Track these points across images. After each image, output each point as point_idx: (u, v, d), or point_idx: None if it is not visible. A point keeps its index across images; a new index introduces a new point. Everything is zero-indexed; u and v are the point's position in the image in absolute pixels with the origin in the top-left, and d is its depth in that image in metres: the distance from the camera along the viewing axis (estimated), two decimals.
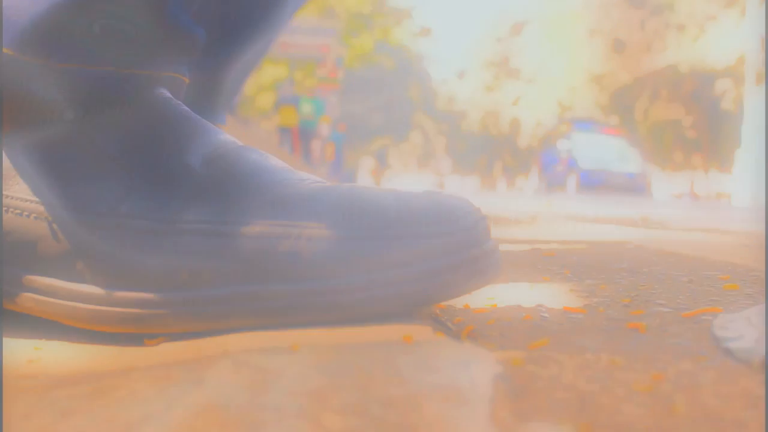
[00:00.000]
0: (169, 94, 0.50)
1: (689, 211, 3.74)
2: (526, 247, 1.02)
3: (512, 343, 0.41)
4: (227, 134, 0.50)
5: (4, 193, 0.46)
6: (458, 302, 0.55)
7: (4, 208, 0.45)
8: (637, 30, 20.81)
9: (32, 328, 0.46)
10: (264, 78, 15.54)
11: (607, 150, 13.71)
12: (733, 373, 0.35)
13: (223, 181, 0.45)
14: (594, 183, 12.75)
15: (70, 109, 0.47)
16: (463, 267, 0.42)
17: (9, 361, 0.39)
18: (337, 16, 15.64)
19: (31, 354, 0.41)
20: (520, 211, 3.02)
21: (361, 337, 0.38)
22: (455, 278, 0.42)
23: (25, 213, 0.44)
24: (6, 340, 0.44)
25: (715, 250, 1.06)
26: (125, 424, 0.27)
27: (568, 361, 0.37)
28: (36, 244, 0.44)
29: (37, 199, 0.44)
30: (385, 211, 0.43)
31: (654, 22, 20.44)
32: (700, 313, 0.49)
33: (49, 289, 0.44)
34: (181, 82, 0.53)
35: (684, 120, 20.88)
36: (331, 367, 0.33)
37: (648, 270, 0.75)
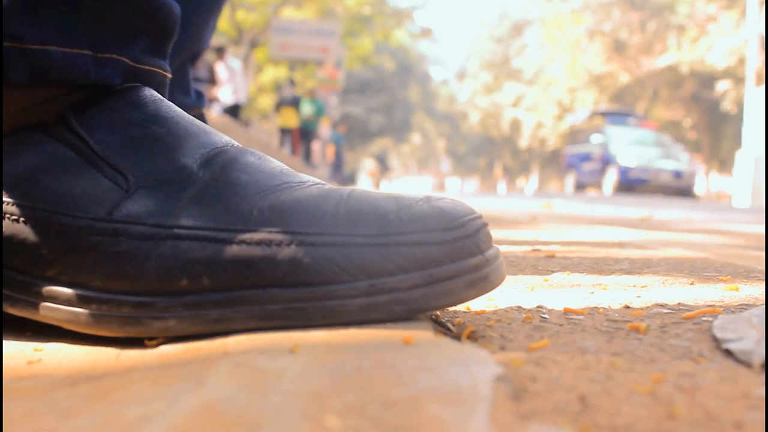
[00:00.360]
0: (159, 95, 0.50)
1: (689, 212, 3.74)
2: (526, 248, 1.02)
3: (512, 345, 0.41)
4: (224, 135, 0.50)
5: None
6: None
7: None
8: (638, 31, 20.82)
9: (32, 329, 0.46)
10: (264, 79, 15.55)
11: (649, 145, 12.02)
12: (733, 374, 0.35)
13: (221, 185, 0.44)
14: (635, 182, 11.22)
15: (49, 95, 0.47)
16: (464, 275, 0.42)
17: (9, 362, 0.39)
18: (338, 17, 15.65)
19: (31, 355, 0.41)
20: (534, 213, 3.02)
21: (362, 338, 0.38)
22: (456, 286, 0.42)
23: (22, 219, 0.44)
24: (6, 342, 0.44)
25: (715, 251, 1.07)
26: (125, 425, 0.27)
27: (568, 363, 0.37)
28: (34, 250, 0.44)
29: (33, 204, 0.44)
30: (386, 216, 0.43)
31: (654, 23, 20.46)
32: (701, 314, 0.49)
33: (50, 294, 0.43)
34: (163, 77, 0.52)
35: (684, 121, 20.90)
36: (331, 368, 0.33)
37: (648, 271, 0.75)
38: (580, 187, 12.67)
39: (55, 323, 0.43)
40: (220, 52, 8.58)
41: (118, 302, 0.42)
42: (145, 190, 0.44)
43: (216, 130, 0.50)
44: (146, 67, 0.50)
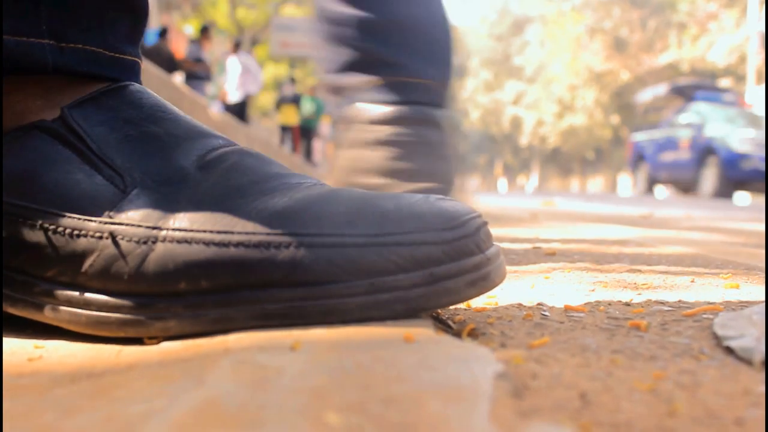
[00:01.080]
0: (155, 94, 0.50)
1: (690, 210, 3.74)
2: (527, 246, 1.02)
3: (513, 342, 0.41)
4: (222, 135, 0.50)
5: None
6: None
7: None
8: (638, 29, 20.81)
9: (33, 326, 0.46)
10: (265, 77, 15.54)
11: (760, 127, 8.36)
12: (734, 371, 0.35)
13: (219, 187, 0.44)
14: (751, 176, 7.84)
15: (39, 91, 0.46)
16: (465, 273, 0.42)
17: (10, 360, 0.39)
18: None
19: (31, 352, 0.41)
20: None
21: (362, 336, 0.38)
22: (457, 285, 0.42)
23: (21, 219, 0.44)
24: (7, 339, 0.44)
25: (715, 249, 1.06)
26: (126, 423, 0.27)
27: (568, 360, 0.37)
28: (33, 250, 0.43)
29: (31, 204, 0.44)
30: (385, 216, 0.43)
31: (655, 21, 20.44)
32: (701, 311, 0.49)
33: (50, 295, 0.43)
34: (139, 66, 0.52)
35: None
36: (331, 365, 0.33)
37: (649, 268, 0.75)
38: (655, 183, 9.66)
39: (56, 323, 0.43)
40: (236, 46, 8.61)
41: (118, 303, 0.42)
42: (142, 191, 0.44)
43: (214, 130, 0.50)
44: (128, 57, 0.50)
